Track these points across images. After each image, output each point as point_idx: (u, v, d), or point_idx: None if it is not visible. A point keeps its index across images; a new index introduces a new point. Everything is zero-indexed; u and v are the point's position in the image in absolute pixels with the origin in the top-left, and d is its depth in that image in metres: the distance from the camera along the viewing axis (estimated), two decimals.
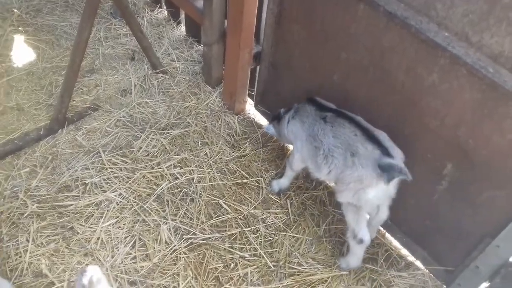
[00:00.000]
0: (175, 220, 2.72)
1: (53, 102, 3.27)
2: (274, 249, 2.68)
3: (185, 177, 2.93)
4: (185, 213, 2.77)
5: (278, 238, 2.73)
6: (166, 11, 4.09)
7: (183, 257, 2.57)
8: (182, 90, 3.47)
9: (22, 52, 3.63)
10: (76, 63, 2.97)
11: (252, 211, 2.83)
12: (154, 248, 2.60)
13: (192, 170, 2.97)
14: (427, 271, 2.65)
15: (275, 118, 2.92)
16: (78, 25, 2.96)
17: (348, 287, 2.56)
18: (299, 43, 2.77)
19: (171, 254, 2.59)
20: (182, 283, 2.47)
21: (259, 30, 3.08)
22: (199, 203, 2.82)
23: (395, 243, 2.78)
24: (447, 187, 2.34)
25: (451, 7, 1.94)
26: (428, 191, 2.44)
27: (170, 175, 2.92)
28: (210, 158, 3.06)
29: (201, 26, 3.28)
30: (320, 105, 2.59)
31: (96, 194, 2.79)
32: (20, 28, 3.80)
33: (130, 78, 3.51)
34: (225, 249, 2.64)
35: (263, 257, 2.63)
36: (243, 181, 2.98)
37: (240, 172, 3.02)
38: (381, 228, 2.79)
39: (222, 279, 2.52)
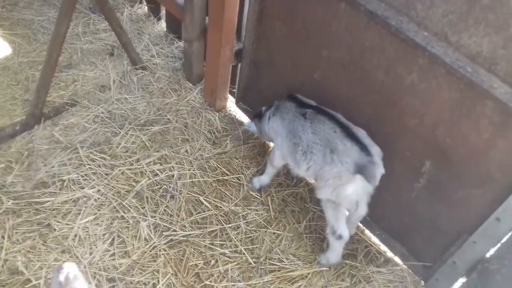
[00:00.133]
0: (154, 217, 2.70)
1: (29, 97, 3.19)
2: (255, 246, 2.68)
3: (165, 173, 2.90)
4: (165, 210, 2.75)
5: (259, 234, 2.74)
6: (146, 7, 4.04)
7: (162, 254, 2.55)
8: (162, 87, 3.44)
9: None
10: (53, 57, 2.91)
11: (233, 207, 2.83)
12: (133, 245, 2.57)
13: (172, 167, 2.95)
14: (406, 266, 2.70)
15: (256, 116, 2.93)
16: (55, 19, 2.90)
17: (328, 283, 2.59)
18: (281, 40, 2.78)
19: (150, 251, 2.56)
20: (162, 280, 2.45)
21: (241, 27, 3.08)
22: (179, 200, 2.80)
23: (374, 239, 2.82)
24: (425, 185, 2.39)
25: (431, 7, 1.98)
26: (407, 189, 2.48)
27: (150, 171, 2.90)
28: (191, 155, 3.05)
29: (181, 22, 3.26)
30: (300, 102, 2.61)
31: (73, 190, 2.74)
32: None
33: (109, 73, 3.46)
34: (205, 245, 2.63)
35: (243, 253, 2.63)
36: (224, 178, 2.98)
37: (221, 169, 3.02)
38: (361, 225, 2.83)
39: (203, 276, 2.52)
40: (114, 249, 2.54)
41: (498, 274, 2.15)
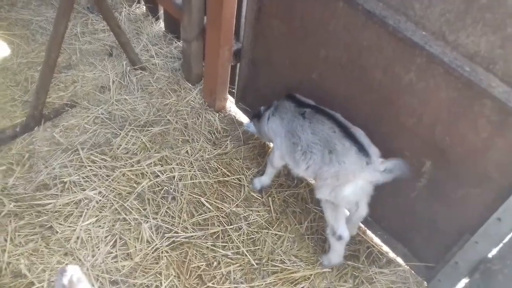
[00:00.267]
0: (156, 218, 2.71)
1: (28, 99, 3.20)
2: (257, 247, 2.69)
3: (166, 175, 2.91)
4: (166, 211, 2.76)
5: (261, 236, 2.74)
6: (144, 7, 4.04)
7: (165, 256, 2.56)
8: (161, 87, 3.44)
9: None
10: (52, 58, 2.92)
11: (234, 209, 2.84)
12: (135, 247, 2.58)
13: (173, 168, 2.96)
14: (408, 267, 2.70)
15: (255, 116, 2.93)
16: (54, 19, 2.90)
17: (330, 284, 2.59)
18: (279, 39, 2.77)
19: (153, 253, 2.57)
20: (164, 282, 2.46)
21: (239, 27, 3.07)
22: (181, 201, 2.81)
23: (376, 240, 2.82)
24: (426, 184, 2.38)
25: (429, 7, 1.97)
26: (407, 189, 2.48)
27: (151, 173, 2.90)
28: (191, 155, 3.05)
29: (180, 22, 3.25)
30: (299, 101, 2.60)
31: (75, 192, 2.75)
32: None
33: (108, 74, 3.47)
34: (207, 247, 2.64)
35: (245, 255, 2.64)
36: (225, 179, 2.98)
37: (221, 170, 3.02)
38: (362, 225, 2.83)
39: (205, 278, 2.53)
40: (116, 251, 2.55)
41: (500, 274, 2.15)
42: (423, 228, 2.54)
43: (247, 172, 3.04)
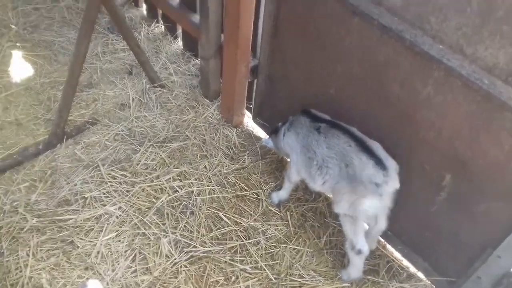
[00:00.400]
0: (175, 233, 2.73)
1: (51, 117, 3.28)
2: (275, 262, 2.68)
3: (185, 190, 2.94)
4: (185, 226, 2.77)
5: (279, 250, 2.74)
6: (162, 26, 4.13)
7: (183, 270, 2.57)
8: (180, 104, 3.49)
9: (20, 68, 3.65)
10: (74, 77, 3.00)
11: (252, 223, 2.84)
12: (154, 261, 2.60)
13: (192, 183, 2.98)
14: (429, 282, 2.66)
15: (273, 132, 2.95)
16: (75, 40, 2.99)
17: None
18: (295, 55, 2.81)
19: (171, 267, 2.59)
20: None
21: (256, 44, 3.12)
22: (199, 216, 2.82)
23: (396, 254, 2.78)
24: (446, 198, 2.36)
25: (444, 21, 1.98)
26: (428, 202, 2.46)
27: (170, 188, 2.93)
28: (209, 170, 3.08)
29: (198, 40, 3.32)
30: (314, 116, 2.62)
31: (95, 208, 2.79)
32: (17, 44, 3.83)
33: (128, 92, 3.54)
34: (226, 261, 2.65)
35: (264, 269, 2.63)
36: (243, 193, 3.00)
37: (239, 184, 3.04)
38: (382, 239, 2.80)
39: None
40: (136, 266, 2.57)
41: None
42: (444, 242, 2.50)
43: (265, 187, 3.05)
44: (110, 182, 2.92)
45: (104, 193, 2.87)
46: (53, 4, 4.22)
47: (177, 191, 2.93)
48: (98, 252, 2.60)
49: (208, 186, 2.98)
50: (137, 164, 3.04)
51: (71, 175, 2.95)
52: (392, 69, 2.27)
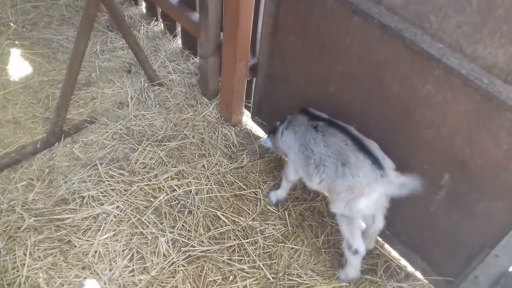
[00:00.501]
0: (173, 232, 2.72)
1: (49, 115, 3.27)
2: (273, 261, 2.67)
3: (183, 189, 2.93)
4: (183, 225, 2.76)
5: (277, 249, 2.73)
6: (162, 24, 4.11)
7: (181, 270, 2.57)
8: (178, 102, 3.48)
9: (18, 66, 3.64)
10: (73, 76, 2.99)
11: (250, 222, 2.83)
12: (152, 260, 2.59)
13: (190, 182, 2.97)
14: (427, 281, 2.65)
15: (272, 131, 2.94)
16: (74, 38, 2.98)
17: None
18: (295, 54, 2.79)
19: (169, 266, 2.58)
20: None
21: (255, 42, 3.10)
22: (197, 215, 2.81)
23: (394, 253, 2.78)
24: (445, 197, 2.35)
25: (444, 19, 1.97)
26: (426, 202, 2.45)
27: (168, 187, 2.92)
28: (208, 169, 3.07)
29: (197, 38, 3.30)
30: (312, 115, 2.61)
31: (93, 207, 2.78)
32: (16, 42, 3.81)
33: (127, 90, 3.53)
34: (223, 261, 2.64)
35: (262, 269, 2.62)
36: (241, 192, 2.99)
37: (237, 183, 3.03)
38: (380, 239, 2.80)
39: None
40: (133, 265, 2.56)
41: None
42: (443, 242, 2.50)
43: (263, 186, 3.04)
44: (108, 181, 2.91)
45: (101, 192, 2.85)
46: (52, 2, 4.20)
47: (175, 190, 2.92)
48: (95, 252, 2.59)
49: (206, 185, 2.97)
50: (135, 163, 3.03)
51: (68, 174, 2.94)
52: (391, 68, 2.26)
